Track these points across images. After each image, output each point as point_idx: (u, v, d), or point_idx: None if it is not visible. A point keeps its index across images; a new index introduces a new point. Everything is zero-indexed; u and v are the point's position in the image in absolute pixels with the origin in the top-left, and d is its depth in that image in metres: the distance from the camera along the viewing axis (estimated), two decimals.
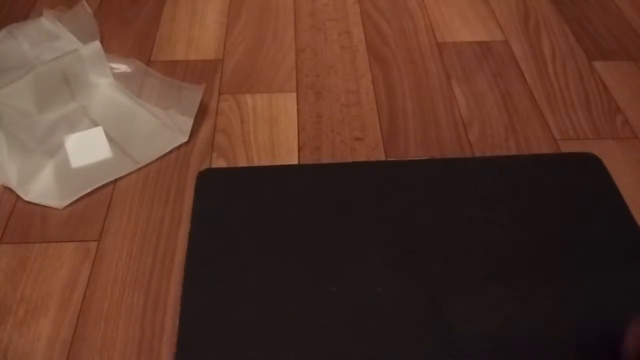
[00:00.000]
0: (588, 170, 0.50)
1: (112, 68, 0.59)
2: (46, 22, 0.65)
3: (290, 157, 0.53)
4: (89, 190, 0.50)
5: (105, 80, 0.58)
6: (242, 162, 0.53)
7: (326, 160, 0.53)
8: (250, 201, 0.48)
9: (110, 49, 0.64)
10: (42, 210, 0.48)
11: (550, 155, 0.53)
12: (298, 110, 0.58)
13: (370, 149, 0.54)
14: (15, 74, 0.53)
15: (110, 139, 0.53)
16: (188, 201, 0.49)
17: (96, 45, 0.58)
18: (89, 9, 0.68)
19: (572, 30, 0.69)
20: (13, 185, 0.50)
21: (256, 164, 0.52)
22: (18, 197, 0.49)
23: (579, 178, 0.50)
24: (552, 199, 0.48)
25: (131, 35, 0.67)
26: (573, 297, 0.41)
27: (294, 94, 0.60)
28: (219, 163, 0.52)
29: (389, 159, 0.53)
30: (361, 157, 0.53)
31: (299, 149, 0.54)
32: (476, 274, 0.43)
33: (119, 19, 0.70)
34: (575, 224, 0.47)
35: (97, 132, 0.53)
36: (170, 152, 0.53)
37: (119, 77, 0.59)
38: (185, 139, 0.54)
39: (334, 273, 0.43)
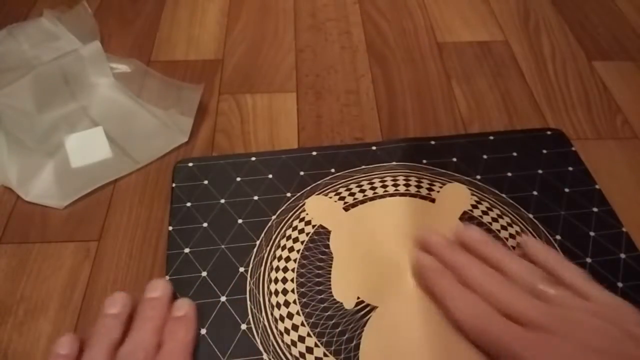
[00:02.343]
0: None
1: (112, 68, 0.59)
2: (46, 22, 0.65)
3: None
4: (89, 190, 0.50)
5: (105, 80, 0.58)
6: None
7: None
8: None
9: (110, 49, 0.64)
10: (42, 210, 0.48)
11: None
12: (298, 110, 0.58)
13: None
14: (15, 74, 0.53)
15: (110, 139, 0.53)
16: None
17: (96, 45, 0.58)
18: (89, 9, 0.68)
19: (572, 30, 0.69)
20: (13, 185, 0.50)
21: None
22: (18, 197, 0.49)
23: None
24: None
25: (131, 35, 0.67)
26: None
27: (294, 94, 0.60)
28: None
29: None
30: None
31: None
32: None
33: (119, 19, 0.70)
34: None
35: (97, 132, 0.53)
36: (171, 152, 0.53)
37: (119, 77, 0.59)
38: (186, 139, 0.54)
39: None
